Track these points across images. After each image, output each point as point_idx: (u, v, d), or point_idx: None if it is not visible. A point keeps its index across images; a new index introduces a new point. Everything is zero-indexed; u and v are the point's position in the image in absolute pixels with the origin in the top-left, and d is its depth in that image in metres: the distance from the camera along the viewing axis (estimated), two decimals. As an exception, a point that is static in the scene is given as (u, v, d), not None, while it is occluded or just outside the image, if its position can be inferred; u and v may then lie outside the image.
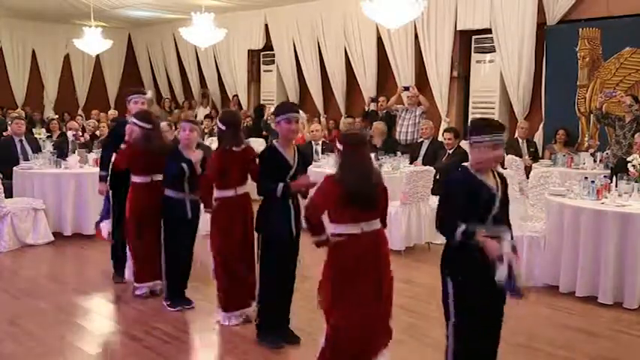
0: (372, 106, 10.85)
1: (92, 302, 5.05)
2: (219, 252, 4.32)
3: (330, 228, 3.27)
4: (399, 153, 8.02)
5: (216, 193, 4.30)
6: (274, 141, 4.02)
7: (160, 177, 4.82)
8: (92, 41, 12.72)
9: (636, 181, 5.57)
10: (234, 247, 4.29)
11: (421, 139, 8.71)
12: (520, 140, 9.08)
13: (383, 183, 3.32)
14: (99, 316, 4.72)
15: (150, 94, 6.00)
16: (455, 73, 10.54)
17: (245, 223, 4.32)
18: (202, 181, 4.46)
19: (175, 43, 15.54)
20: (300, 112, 4.11)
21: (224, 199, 4.29)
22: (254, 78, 14.39)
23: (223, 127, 4.34)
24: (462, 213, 2.79)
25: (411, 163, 7.71)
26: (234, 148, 4.27)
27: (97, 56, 15.10)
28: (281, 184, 3.89)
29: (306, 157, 4.18)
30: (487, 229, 2.83)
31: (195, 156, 4.76)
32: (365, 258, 3.26)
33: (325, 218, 3.29)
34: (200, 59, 15.07)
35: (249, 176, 4.34)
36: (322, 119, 12.45)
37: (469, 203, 2.81)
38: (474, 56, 10.35)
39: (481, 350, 2.99)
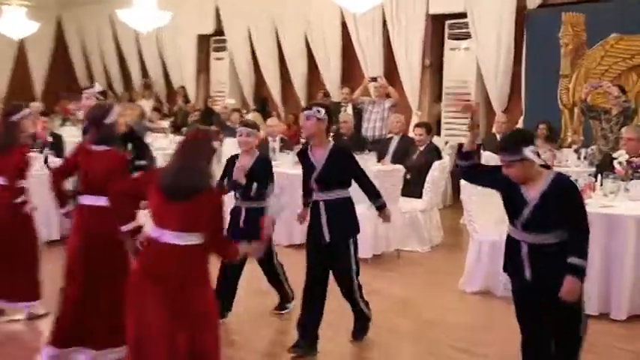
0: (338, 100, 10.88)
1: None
2: None
3: None
4: (366, 150, 8.02)
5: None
6: None
7: None
8: (14, 22, 12.39)
9: (623, 180, 5.67)
10: None
11: (390, 135, 8.73)
12: (498, 136, 9.16)
13: (210, 193, 3.05)
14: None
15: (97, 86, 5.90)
16: (427, 62, 10.63)
17: None
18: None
19: (113, 26, 15.29)
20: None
21: None
22: (203, 67, 14.28)
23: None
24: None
25: (378, 161, 7.72)
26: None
27: (21, 40, 14.73)
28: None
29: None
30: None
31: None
32: (156, 276, 3.02)
33: None
34: (141, 46, 14.87)
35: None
36: (280, 113, 12.42)
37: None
38: (448, 43, 10.45)
39: None
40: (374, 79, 9.69)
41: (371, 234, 6.61)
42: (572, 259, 3.25)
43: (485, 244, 5.70)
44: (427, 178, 7.22)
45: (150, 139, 9.59)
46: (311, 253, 4.41)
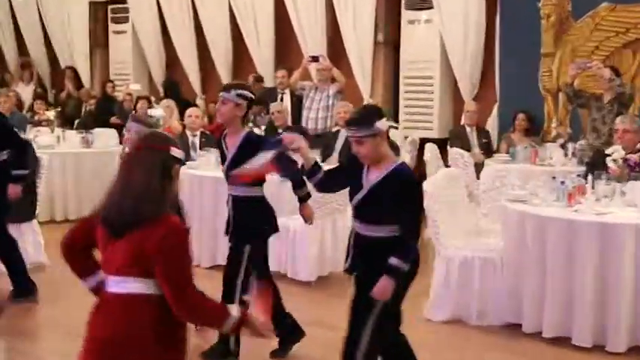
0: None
1: None
2: None
3: None
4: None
5: None
6: None
7: None
8: None
9: (618, 181, 5.79)
10: None
11: (336, 128, 8.73)
12: (468, 128, 9.29)
13: (163, 222, 2.77)
14: None
15: None
16: (380, 38, 10.67)
17: None
18: None
19: (-21, -10, 14.94)
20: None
21: None
22: (99, 42, 14.06)
23: None
24: None
25: (323, 160, 7.71)
26: None
27: None
28: None
29: None
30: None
31: None
32: (96, 339, 2.83)
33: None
34: (17, 15, 14.60)
35: None
36: (200, 101, 12.28)
37: None
38: (405, 14, 10.50)
39: None
40: (315, 59, 9.66)
41: (315, 252, 6.59)
42: (392, 259, 3.71)
43: (454, 261, 5.76)
44: (383, 182, 7.22)
45: (31, 134, 9.40)
46: None
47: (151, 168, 2.79)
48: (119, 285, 2.78)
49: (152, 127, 5.34)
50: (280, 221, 6.67)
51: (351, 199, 3.95)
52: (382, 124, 3.80)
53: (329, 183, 4.21)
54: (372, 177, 3.83)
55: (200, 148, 8.30)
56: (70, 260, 3.00)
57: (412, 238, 3.78)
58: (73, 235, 3.00)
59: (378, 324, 3.85)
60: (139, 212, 2.73)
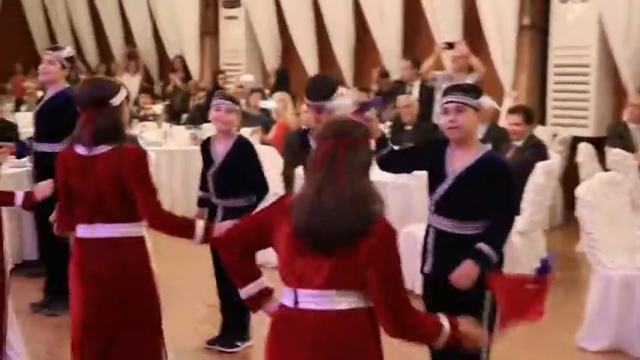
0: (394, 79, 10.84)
1: None
2: None
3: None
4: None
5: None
6: None
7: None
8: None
9: None
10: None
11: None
12: (631, 125, 8.98)
13: (378, 229, 2.67)
14: None
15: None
16: (525, 21, 10.56)
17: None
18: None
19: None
20: None
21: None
22: (209, 29, 14.43)
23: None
24: None
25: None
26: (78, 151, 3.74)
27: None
28: None
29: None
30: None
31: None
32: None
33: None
34: (124, 1, 15.12)
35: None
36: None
37: None
38: (556, -7, 10.35)
39: None
40: (450, 46, 9.66)
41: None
42: (481, 245, 3.69)
43: (614, 281, 5.58)
44: (527, 187, 7.13)
45: (137, 130, 9.70)
46: None
47: (361, 168, 2.73)
48: (323, 300, 2.70)
49: (238, 103, 5.44)
50: (408, 229, 6.74)
51: (430, 191, 3.92)
52: (487, 101, 3.89)
53: (393, 161, 4.15)
54: (457, 164, 3.82)
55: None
56: (229, 264, 2.97)
57: (505, 229, 3.81)
58: (239, 236, 2.97)
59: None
60: (356, 224, 2.64)
